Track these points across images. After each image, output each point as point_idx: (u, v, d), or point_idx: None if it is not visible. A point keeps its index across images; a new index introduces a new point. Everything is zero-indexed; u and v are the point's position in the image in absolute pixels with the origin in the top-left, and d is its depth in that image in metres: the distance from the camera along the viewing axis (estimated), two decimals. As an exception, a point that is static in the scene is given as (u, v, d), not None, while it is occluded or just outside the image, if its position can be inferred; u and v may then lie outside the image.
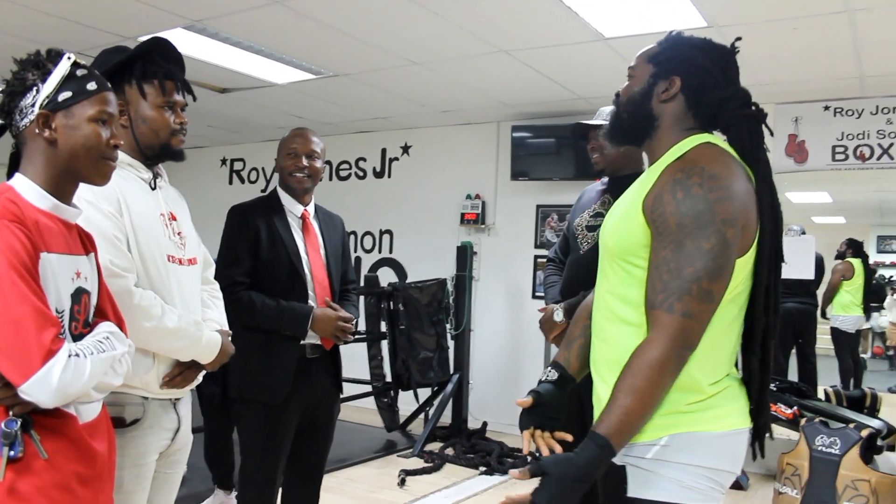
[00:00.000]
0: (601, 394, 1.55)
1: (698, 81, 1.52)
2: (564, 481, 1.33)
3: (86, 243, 1.54)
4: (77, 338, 1.42)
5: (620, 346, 1.47)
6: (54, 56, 1.46)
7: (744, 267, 1.44)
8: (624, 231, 1.51)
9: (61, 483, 1.33)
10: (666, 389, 1.38)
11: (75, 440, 1.38)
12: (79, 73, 1.47)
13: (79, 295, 1.44)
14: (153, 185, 1.92)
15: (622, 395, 1.37)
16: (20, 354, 1.26)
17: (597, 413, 1.57)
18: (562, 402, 1.68)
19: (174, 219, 1.96)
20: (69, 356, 1.30)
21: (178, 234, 1.95)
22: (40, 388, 1.27)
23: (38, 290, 1.31)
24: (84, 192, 1.68)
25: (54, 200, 1.44)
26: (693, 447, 1.42)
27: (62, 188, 1.47)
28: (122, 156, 1.83)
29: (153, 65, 1.88)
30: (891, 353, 11.03)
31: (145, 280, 1.82)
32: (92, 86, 1.47)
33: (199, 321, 1.93)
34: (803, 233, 6.21)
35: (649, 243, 1.45)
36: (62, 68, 1.44)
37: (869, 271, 7.85)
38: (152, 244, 1.84)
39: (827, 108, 5.07)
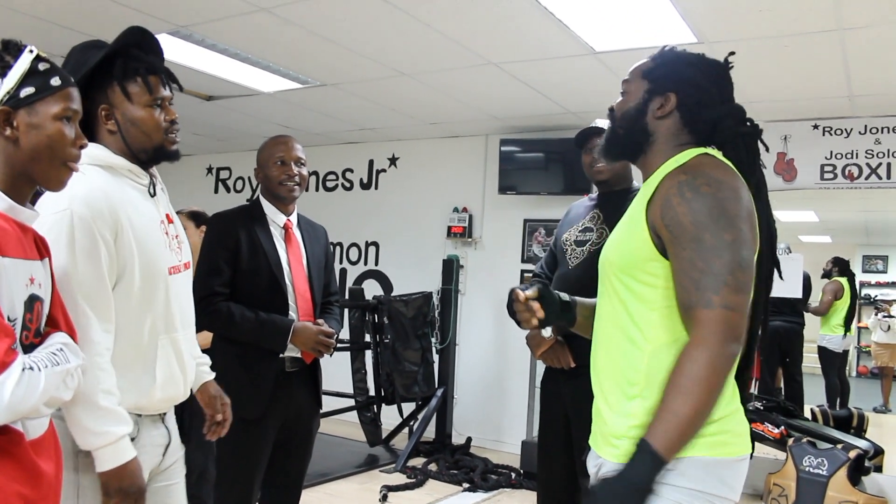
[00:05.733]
0: (601, 409, 1.54)
1: (694, 99, 1.52)
2: (616, 499, 1.31)
3: (40, 248, 1.45)
4: (28, 348, 1.33)
5: (623, 362, 1.47)
6: (13, 49, 1.37)
7: None
8: (627, 246, 1.49)
9: None
10: (719, 389, 1.33)
11: (20, 459, 1.28)
12: (41, 67, 1.39)
13: (32, 302, 1.35)
14: (152, 192, 1.82)
15: (672, 401, 1.32)
16: None
17: (595, 430, 1.57)
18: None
19: (171, 221, 1.87)
20: (23, 370, 1.21)
21: (176, 237, 1.86)
22: None
23: None
24: (78, 206, 1.59)
25: (10, 201, 1.36)
26: (699, 472, 1.38)
27: (19, 189, 1.38)
28: (121, 161, 1.75)
29: (134, 61, 1.73)
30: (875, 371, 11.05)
31: (142, 298, 1.72)
32: (56, 81, 1.40)
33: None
34: (789, 251, 6.21)
35: (655, 258, 1.43)
36: (24, 62, 1.36)
37: (854, 291, 7.87)
38: (154, 261, 1.75)
39: (816, 126, 5.07)
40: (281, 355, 2.59)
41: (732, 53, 1.58)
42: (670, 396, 1.33)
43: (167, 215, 1.86)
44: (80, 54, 1.76)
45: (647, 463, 1.30)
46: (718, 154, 1.51)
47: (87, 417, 1.56)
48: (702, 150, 1.51)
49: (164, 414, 1.89)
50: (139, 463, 1.66)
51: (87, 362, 1.50)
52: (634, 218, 1.49)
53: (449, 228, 6.36)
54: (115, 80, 1.72)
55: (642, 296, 1.45)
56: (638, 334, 1.45)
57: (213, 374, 2.06)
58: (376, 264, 6.87)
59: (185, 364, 1.88)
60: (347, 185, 7.07)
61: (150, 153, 1.79)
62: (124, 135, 1.75)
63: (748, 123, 1.54)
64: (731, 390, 1.44)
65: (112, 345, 1.66)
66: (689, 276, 1.36)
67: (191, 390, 1.99)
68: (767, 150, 1.57)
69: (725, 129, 1.52)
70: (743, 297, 1.35)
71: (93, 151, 1.71)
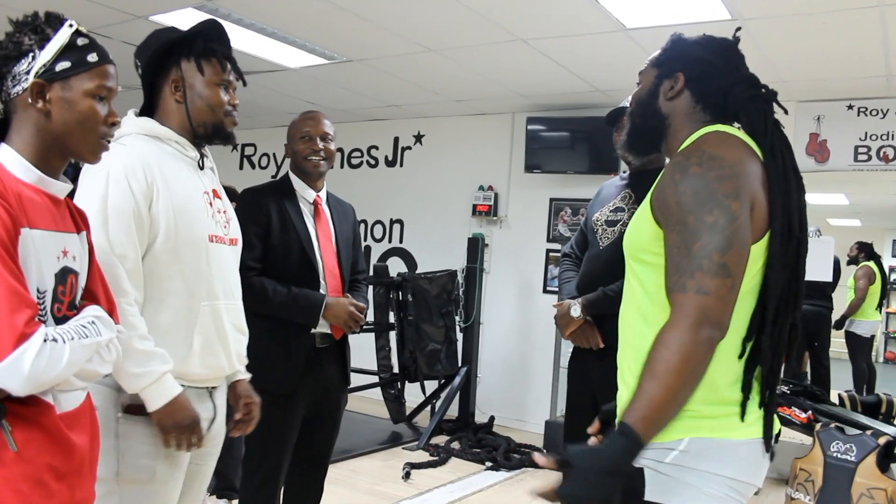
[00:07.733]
0: (623, 397, 1.52)
1: (699, 72, 1.52)
2: (590, 473, 1.26)
3: (77, 221, 1.44)
4: (61, 320, 1.33)
5: (638, 341, 1.45)
6: (54, 21, 1.36)
7: (760, 255, 1.39)
8: (635, 227, 1.51)
9: (32, 476, 1.24)
10: (695, 373, 1.30)
11: (51, 431, 1.29)
12: (80, 42, 1.37)
13: (64, 275, 1.35)
14: (201, 165, 1.90)
15: (646, 382, 1.30)
16: None
17: (620, 410, 1.53)
18: None
19: (218, 196, 1.92)
20: (45, 341, 1.21)
21: (224, 212, 1.92)
22: (10, 374, 1.18)
23: (15, 269, 1.21)
24: (115, 165, 1.67)
25: (39, 173, 1.35)
26: (714, 455, 1.36)
27: (50, 162, 1.37)
28: (167, 132, 1.83)
29: (212, 43, 1.87)
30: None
31: (177, 264, 1.76)
32: (93, 57, 1.38)
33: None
34: (819, 234, 6.11)
35: (658, 235, 1.42)
36: (62, 36, 1.35)
37: (884, 273, 7.74)
38: (193, 225, 1.80)
39: (850, 107, 4.97)
40: (312, 331, 2.59)
41: (739, 29, 1.59)
42: (645, 378, 1.30)
43: (214, 191, 1.91)
44: (158, 33, 1.88)
45: (623, 443, 1.27)
46: (736, 129, 1.49)
47: (128, 362, 1.61)
48: (715, 127, 1.48)
49: (214, 388, 1.91)
50: (187, 396, 1.73)
51: (120, 311, 1.55)
52: (645, 201, 1.49)
53: (474, 207, 6.33)
54: (192, 56, 1.84)
55: (652, 275, 1.44)
56: (650, 313, 1.44)
57: (248, 375, 2.07)
58: (400, 242, 6.87)
59: (227, 334, 1.89)
60: (372, 162, 7.05)
61: (210, 129, 1.87)
62: (189, 106, 1.84)
63: (763, 90, 1.52)
64: (737, 368, 1.41)
65: (142, 298, 1.72)
66: (673, 259, 1.35)
67: None
68: (786, 112, 1.55)
69: (736, 95, 1.50)
70: (721, 280, 1.30)
71: (140, 122, 1.83)
